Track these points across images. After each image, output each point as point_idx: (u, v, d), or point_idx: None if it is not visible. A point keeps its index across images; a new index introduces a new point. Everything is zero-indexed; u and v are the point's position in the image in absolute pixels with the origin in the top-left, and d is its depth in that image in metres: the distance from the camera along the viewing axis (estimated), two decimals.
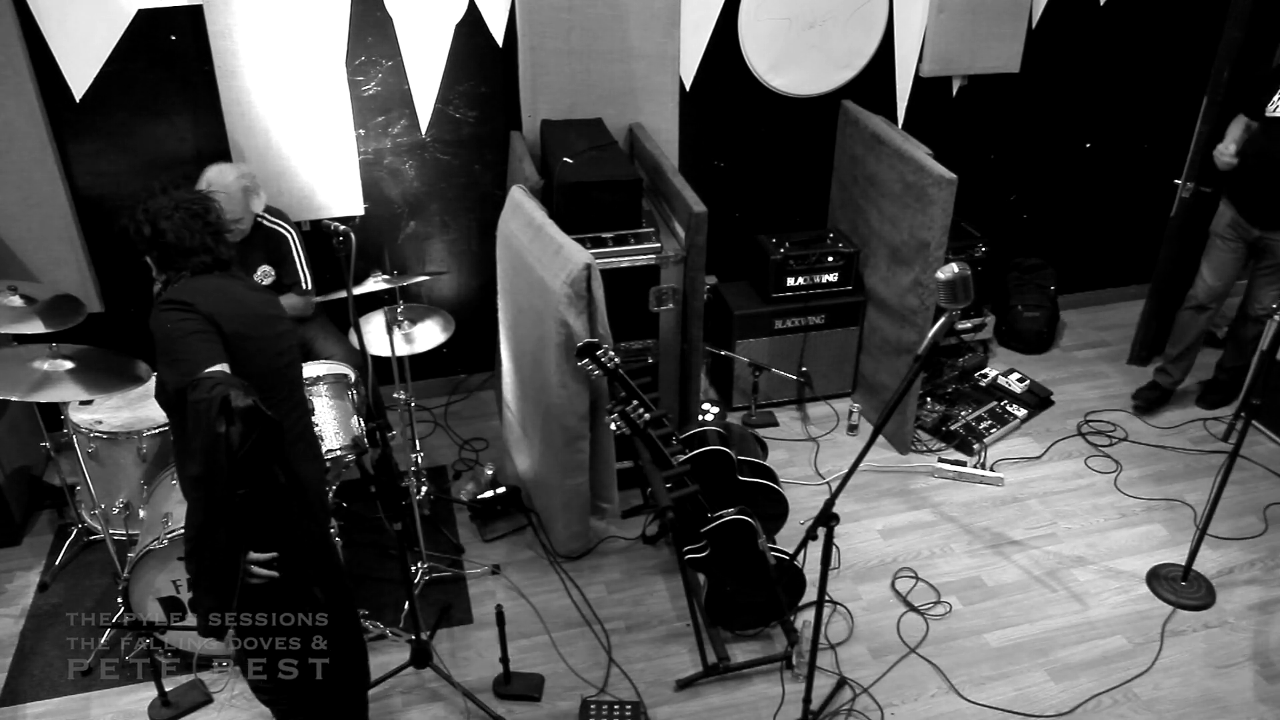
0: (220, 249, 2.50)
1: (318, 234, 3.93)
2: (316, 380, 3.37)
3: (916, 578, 3.67)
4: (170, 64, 3.78)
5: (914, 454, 4.33)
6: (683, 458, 3.21)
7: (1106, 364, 4.97)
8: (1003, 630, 3.46)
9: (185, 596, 3.13)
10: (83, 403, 3.44)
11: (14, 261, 3.88)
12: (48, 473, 4.03)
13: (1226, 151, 4.01)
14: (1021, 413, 4.54)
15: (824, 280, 4.40)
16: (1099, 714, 3.16)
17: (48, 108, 3.72)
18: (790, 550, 3.31)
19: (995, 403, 4.59)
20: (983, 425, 4.46)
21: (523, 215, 3.53)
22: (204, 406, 2.14)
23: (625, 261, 3.61)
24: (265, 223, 3.75)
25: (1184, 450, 4.33)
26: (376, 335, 3.56)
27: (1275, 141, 3.87)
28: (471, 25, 4.00)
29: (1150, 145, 5.05)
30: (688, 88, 4.32)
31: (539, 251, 3.38)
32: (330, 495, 3.33)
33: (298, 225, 3.89)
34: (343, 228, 2.84)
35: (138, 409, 3.46)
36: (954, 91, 4.68)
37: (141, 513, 3.31)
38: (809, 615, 3.35)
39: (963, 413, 4.53)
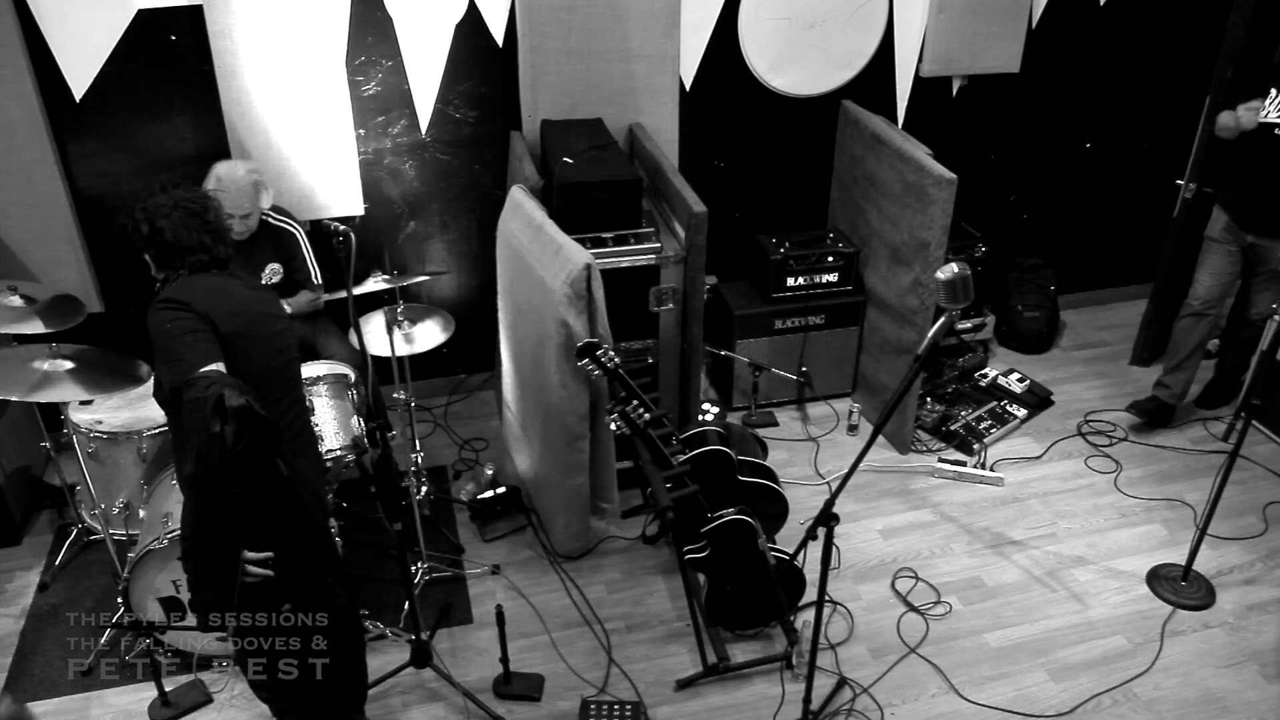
0: (218, 248, 2.50)
1: (318, 234, 3.92)
2: (316, 380, 3.37)
3: (916, 578, 3.67)
4: (170, 64, 3.78)
5: (914, 454, 4.33)
6: (683, 458, 3.21)
7: (1106, 364, 4.97)
8: (1003, 630, 3.46)
9: (185, 596, 3.13)
10: (83, 403, 3.44)
11: (14, 261, 3.88)
12: (48, 473, 4.03)
13: (1245, 116, 3.75)
14: (1021, 413, 4.54)
15: (824, 280, 4.40)
16: (1099, 714, 3.16)
17: (48, 108, 3.72)
18: (790, 550, 3.31)
19: (995, 403, 4.59)
20: (983, 425, 4.46)
21: (523, 215, 3.53)
22: (198, 406, 2.14)
23: (625, 261, 3.61)
24: (272, 220, 3.75)
25: (1184, 450, 4.33)
26: (376, 335, 3.56)
27: (1266, 148, 3.81)
28: (471, 25, 4.00)
29: (1150, 145, 5.05)
30: (688, 88, 4.32)
31: (539, 251, 3.38)
32: (330, 495, 3.33)
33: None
34: (343, 228, 2.84)
35: (138, 409, 3.46)
36: (954, 91, 4.68)
37: (141, 513, 3.32)
38: (809, 615, 3.34)
39: (963, 413, 4.53)
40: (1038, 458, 4.30)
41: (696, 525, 3.24)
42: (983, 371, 4.82)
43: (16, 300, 3.41)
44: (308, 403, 3.04)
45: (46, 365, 3.15)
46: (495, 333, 4.02)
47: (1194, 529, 3.61)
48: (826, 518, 2.65)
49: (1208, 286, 4.18)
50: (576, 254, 3.21)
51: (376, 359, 3.29)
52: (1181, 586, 3.58)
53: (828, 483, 4.15)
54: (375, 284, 3.56)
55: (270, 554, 2.33)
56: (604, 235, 3.61)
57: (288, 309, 3.68)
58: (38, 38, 3.61)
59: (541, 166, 3.92)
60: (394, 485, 3.02)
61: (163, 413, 2.43)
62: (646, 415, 3.18)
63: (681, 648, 3.38)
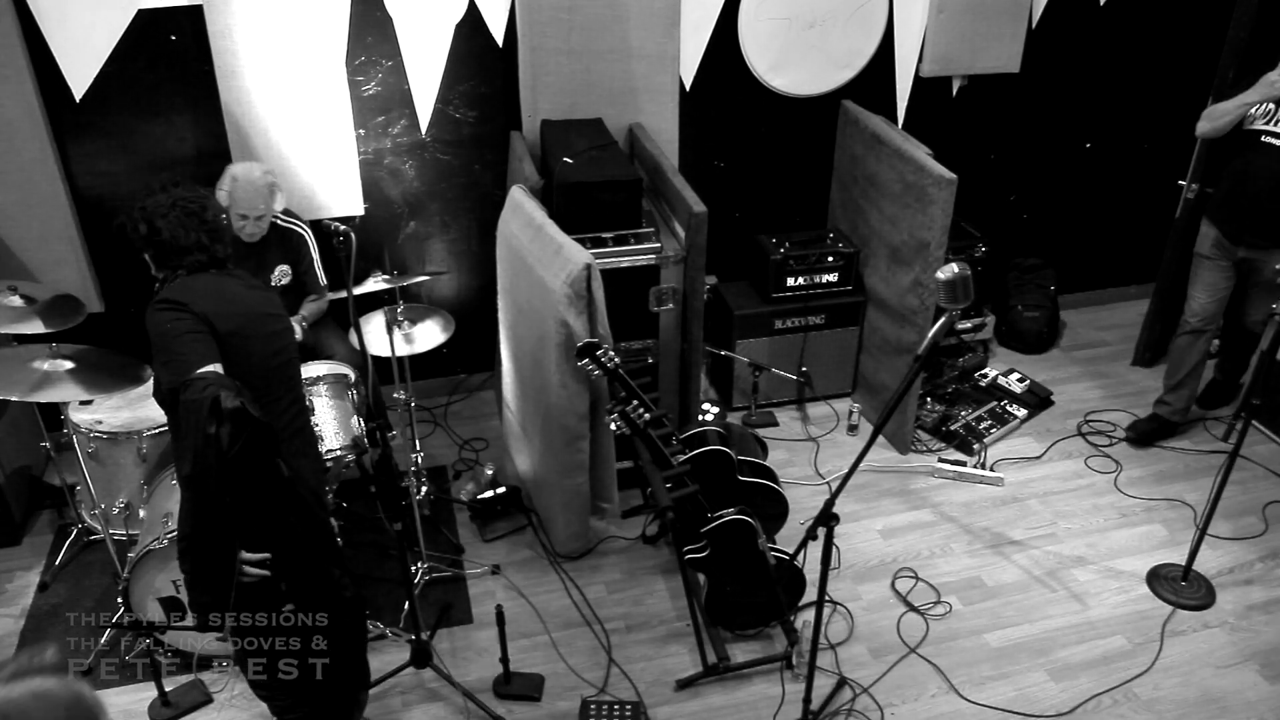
0: (216, 247, 2.50)
1: (318, 234, 3.92)
2: (316, 380, 3.37)
3: (916, 578, 3.67)
4: (170, 64, 3.78)
5: (914, 454, 4.33)
6: (683, 458, 3.21)
7: (1106, 364, 4.97)
8: (1003, 630, 3.46)
9: (185, 596, 3.12)
10: (83, 403, 3.44)
11: (14, 261, 3.88)
12: (48, 473, 4.03)
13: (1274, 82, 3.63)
14: (1021, 413, 4.54)
15: (824, 280, 4.40)
16: (1099, 714, 3.16)
17: (48, 108, 3.72)
18: (790, 550, 3.31)
19: (995, 403, 4.59)
20: (983, 425, 4.46)
21: (523, 215, 3.53)
22: (195, 407, 2.15)
23: (625, 261, 3.61)
24: (281, 222, 3.75)
25: (1184, 450, 4.33)
26: (376, 335, 3.56)
27: (1255, 156, 3.75)
28: (471, 25, 4.00)
29: (1150, 145, 5.05)
30: (688, 88, 4.32)
31: (539, 251, 3.38)
32: (330, 495, 3.33)
33: None
34: (343, 228, 2.84)
35: (138, 409, 3.46)
36: (954, 91, 4.68)
37: (141, 513, 3.31)
38: (809, 615, 3.34)
39: (963, 413, 4.53)
40: (1038, 458, 4.30)
41: (696, 525, 3.24)
42: (983, 371, 4.82)
43: (16, 300, 3.41)
44: (308, 402, 3.04)
45: (46, 365, 3.15)
46: (495, 333, 4.02)
47: (1194, 529, 3.61)
48: (826, 518, 2.65)
49: (1202, 303, 4.10)
50: (576, 254, 3.21)
51: (376, 359, 3.30)
52: (1181, 586, 3.58)
53: (828, 483, 4.15)
54: (375, 284, 3.56)
55: (268, 555, 2.33)
56: (604, 235, 3.61)
57: (304, 323, 3.70)
58: (38, 38, 3.61)
59: (541, 166, 3.92)
60: (394, 485, 3.02)
61: (163, 413, 2.43)
62: (646, 415, 3.18)
63: (681, 648, 3.38)
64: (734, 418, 4.48)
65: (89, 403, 3.45)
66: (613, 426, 3.24)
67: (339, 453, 3.33)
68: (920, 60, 4.54)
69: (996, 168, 4.95)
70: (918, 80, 4.59)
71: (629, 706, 3.11)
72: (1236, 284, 4.09)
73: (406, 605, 3.31)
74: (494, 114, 4.19)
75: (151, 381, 2.95)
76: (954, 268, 2.49)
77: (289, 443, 2.56)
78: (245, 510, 2.28)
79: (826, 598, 2.93)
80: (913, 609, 3.53)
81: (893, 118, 4.62)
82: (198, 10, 3.69)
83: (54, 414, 3.53)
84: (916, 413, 4.41)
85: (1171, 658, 3.34)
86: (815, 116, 4.57)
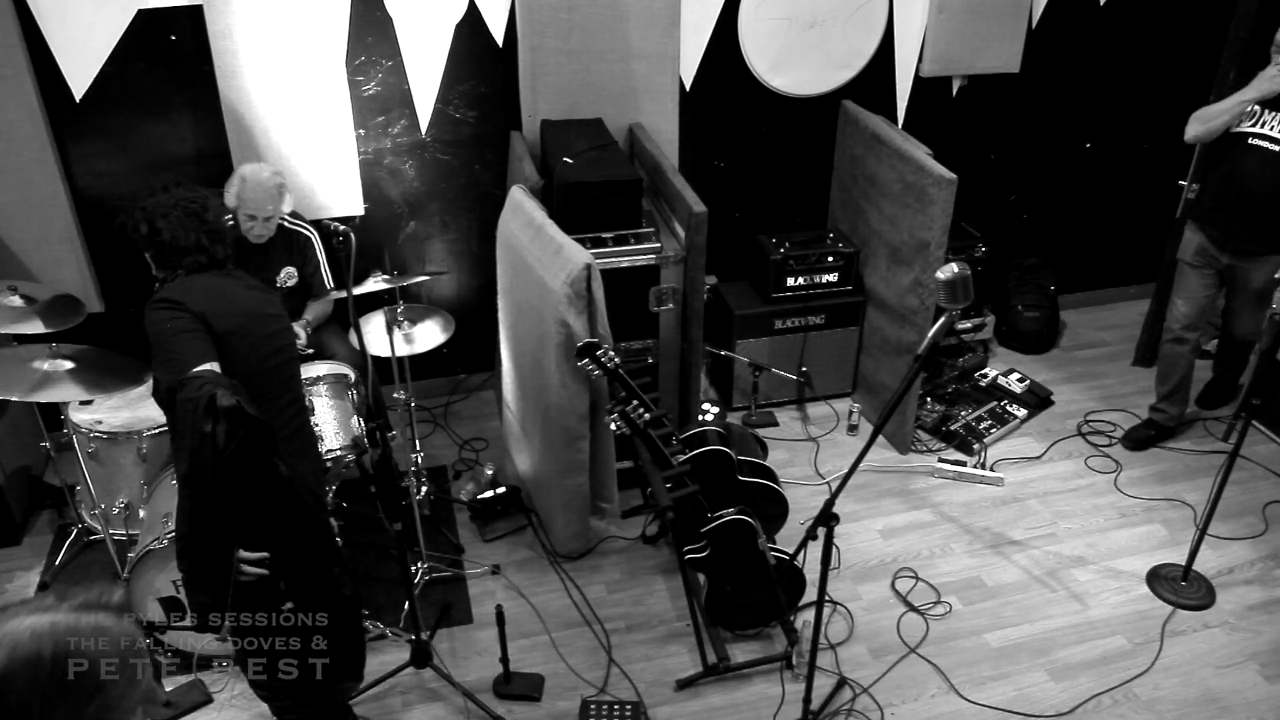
0: (216, 249, 2.51)
1: (318, 234, 3.92)
2: (316, 380, 3.37)
3: (916, 578, 3.67)
4: (170, 64, 3.78)
5: (914, 454, 4.33)
6: (683, 458, 3.21)
7: (1107, 364, 4.97)
8: (1003, 630, 3.46)
9: (185, 596, 3.12)
10: (83, 403, 3.44)
11: (14, 261, 3.88)
12: (48, 473, 4.03)
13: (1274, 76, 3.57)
14: (1021, 413, 4.54)
15: (824, 280, 4.40)
16: (1099, 714, 3.16)
17: (48, 108, 3.72)
18: (790, 550, 3.31)
19: (995, 403, 4.59)
20: (983, 425, 4.46)
21: (523, 215, 3.53)
22: (191, 406, 2.15)
23: (625, 261, 3.61)
24: (287, 224, 3.75)
25: (1184, 450, 4.33)
26: (376, 335, 3.56)
27: (1242, 159, 3.71)
28: (471, 25, 4.00)
29: (1150, 145, 5.05)
30: (688, 88, 4.32)
31: (539, 251, 3.38)
32: (330, 495, 3.33)
33: None
34: (343, 228, 2.84)
35: (138, 409, 3.46)
36: (954, 91, 4.68)
37: (141, 513, 3.32)
38: (809, 615, 3.34)
39: (963, 413, 4.53)
40: (1038, 458, 4.30)
41: (696, 525, 3.24)
42: (983, 371, 4.82)
43: (16, 300, 3.41)
44: (308, 402, 3.04)
45: (46, 365, 3.15)
46: (495, 333, 4.02)
47: (1194, 529, 3.61)
48: (826, 518, 2.65)
49: (1183, 311, 4.08)
50: (576, 254, 3.21)
51: (376, 359, 3.30)
52: (1181, 586, 3.58)
53: (828, 483, 4.15)
54: (375, 284, 3.56)
55: (266, 554, 2.33)
56: (604, 235, 3.61)
57: (307, 328, 3.70)
58: (38, 38, 3.61)
59: (541, 166, 3.92)
60: (394, 485, 3.02)
61: (162, 413, 2.44)
62: (646, 415, 3.18)
63: (681, 648, 3.38)
64: (734, 418, 4.48)
65: (89, 403, 3.45)
66: (613, 426, 3.24)
67: (339, 453, 3.32)
68: (920, 60, 4.54)
69: (996, 168, 4.95)
70: (918, 80, 4.59)
71: (629, 706, 3.11)
72: (1225, 296, 4.03)
73: (406, 605, 3.31)
74: (494, 114, 4.19)
75: (151, 381, 2.96)
76: (954, 268, 2.49)
77: (288, 442, 2.56)
78: (243, 509, 2.28)
79: (826, 598, 2.93)
80: (913, 609, 3.53)
81: (893, 118, 4.62)
82: (198, 10, 3.69)
83: (54, 414, 3.53)
84: (916, 413, 4.41)
85: (1171, 658, 3.34)
86: (815, 116, 4.57)
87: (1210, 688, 3.23)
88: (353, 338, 3.50)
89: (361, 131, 4.08)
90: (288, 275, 3.78)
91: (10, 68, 3.58)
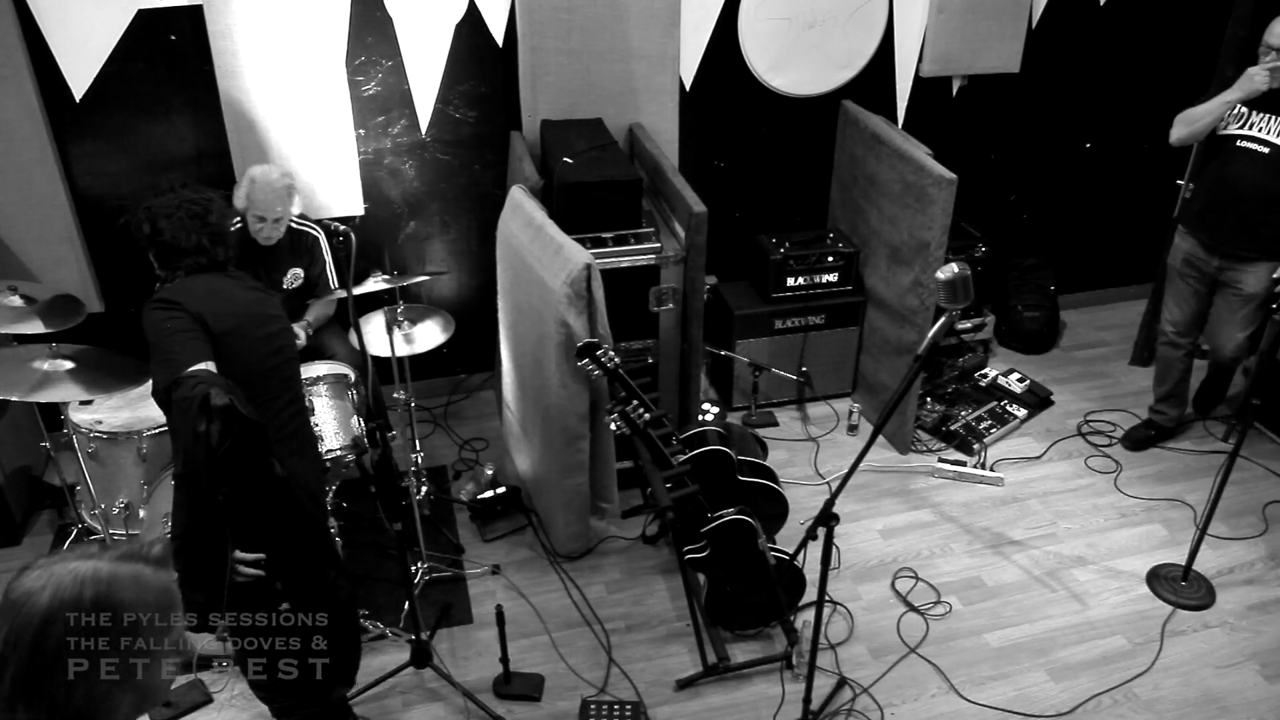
0: (217, 250, 2.52)
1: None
2: (316, 380, 3.37)
3: (916, 578, 3.67)
4: (170, 64, 3.78)
5: (914, 454, 4.33)
6: (683, 458, 3.21)
7: (1106, 364, 4.97)
8: (1003, 630, 3.46)
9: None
10: (83, 403, 3.43)
11: (14, 261, 3.88)
12: (48, 473, 4.03)
13: (1259, 72, 3.54)
14: (1021, 413, 4.54)
15: (824, 280, 4.40)
16: (1099, 714, 3.16)
17: (48, 108, 3.72)
18: (790, 550, 3.31)
19: (995, 403, 4.59)
20: (983, 425, 4.46)
21: (523, 215, 3.53)
22: (185, 405, 2.16)
23: (625, 261, 3.61)
24: (294, 224, 3.75)
25: (1184, 450, 4.33)
26: (376, 335, 3.56)
27: (1231, 162, 3.69)
28: (471, 25, 4.00)
29: (1150, 145, 5.05)
30: (688, 88, 4.32)
31: (539, 251, 3.38)
32: (330, 495, 3.33)
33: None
34: (343, 228, 2.85)
35: (138, 409, 3.46)
36: (954, 91, 4.68)
37: (141, 513, 3.31)
38: (809, 615, 3.34)
39: (963, 413, 4.53)
40: (1038, 458, 4.30)
41: (696, 525, 3.24)
42: (983, 371, 4.82)
43: (16, 300, 3.41)
44: (307, 403, 3.04)
45: (46, 365, 3.15)
46: (495, 333, 4.02)
47: (1194, 529, 3.61)
48: (826, 518, 2.65)
49: (1175, 316, 4.08)
50: (576, 254, 3.21)
51: (376, 359, 3.30)
52: (1181, 586, 3.58)
53: (828, 483, 4.15)
54: (375, 284, 3.56)
55: (262, 555, 2.33)
56: (604, 235, 3.61)
57: (309, 329, 3.70)
58: (38, 38, 3.61)
59: (541, 166, 3.92)
60: (394, 485, 3.02)
61: (162, 413, 2.44)
62: (646, 415, 3.18)
63: (681, 648, 3.38)
64: (734, 418, 4.48)
65: (89, 403, 3.45)
66: (613, 426, 3.24)
67: (339, 453, 3.32)
68: (920, 60, 4.54)
69: (996, 168, 4.95)
70: (918, 80, 4.59)
71: (629, 706, 3.11)
72: (1211, 305, 3.97)
73: (406, 605, 3.31)
74: (494, 114, 4.19)
75: (151, 381, 2.97)
76: (954, 268, 2.49)
77: (286, 443, 2.56)
78: (238, 509, 2.28)
79: (826, 598, 2.93)
80: (913, 609, 3.53)
81: (893, 118, 4.62)
82: (198, 10, 3.69)
83: (54, 414, 3.53)
84: (916, 413, 4.41)
85: (1171, 658, 3.34)
86: (815, 116, 4.57)
87: (1210, 688, 3.23)
88: (353, 338, 3.50)
89: (361, 131, 4.08)
90: (294, 277, 3.78)
91: (10, 68, 3.58)
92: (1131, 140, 5.02)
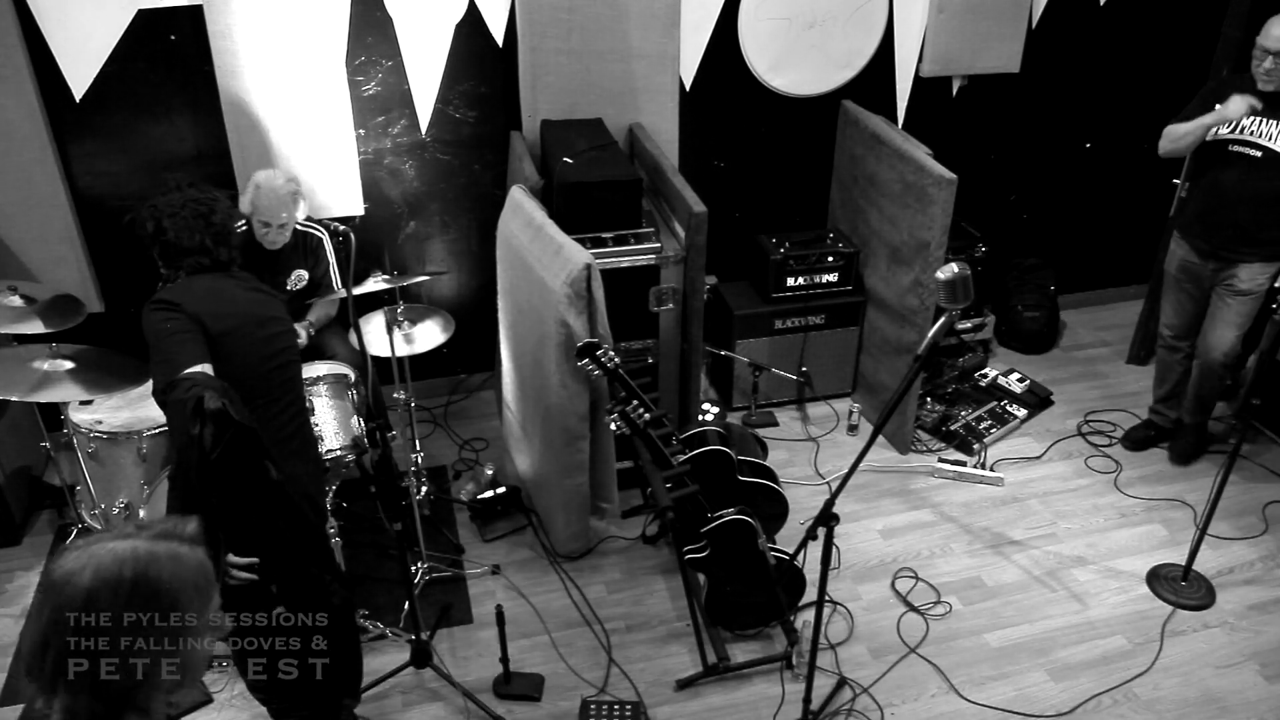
0: (220, 251, 2.52)
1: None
2: (316, 380, 3.37)
3: (916, 578, 3.67)
4: (170, 64, 3.78)
5: (914, 454, 4.33)
6: (683, 458, 3.21)
7: (1106, 364, 4.97)
8: (1003, 630, 3.46)
9: None
10: (83, 403, 3.43)
11: (14, 261, 3.88)
12: (48, 473, 4.03)
13: (1238, 103, 3.52)
14: (1021, 413, 4.54)
15: (824, 280, 4.40)
16: (1099, 714, 3.16)
17: (48, 108, 3.72)
18: (790, 550, 3.31)
19: (995, 403, 4.59)
20: (983, 425, 4.46)
21: (523, 215, 3.53)
22: (179, 407, 2.16)
23: (625, 261, 3.61)
24: (300, 226, 3.74)
25: None
26: (376, 335, 3.56)
27: (1224, 168, 3.69)
28: (471, 25, 4.00)
29: (1150, 145, 5.03)
30: (688, 88, 4.32)
31: (539, 251, 3.38)
32: (330, 495, 3.33)
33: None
34: (343, 228, 2.85)
35: (138, 409, 3.46)
36: (954, 91, 4.68)
37: (141, 513, 3.31)
38: (809, 615, 3.34)
39: (963, 413, 4.53)
40: (1038, 458, 4.30)
41: (696, 525, 3.24)
42: (983, 371, 4.82)
43: (16, 300, 3.41)
44: (308, 403, 3.04)
45: (46, 365, 3.15)
46: (495, 333, 4.02)
47: (1194, 529, 3.61)
48: (826, 518, 2.65)
49: (1171, 320, 4.09)
50: (576, 254, 3.21)
51: (376, 359, 3.30)
52: (1181, 586, 3.58)
53: (828, 483, 4.15)
54: (375, 284, 3.56)
55: (255, 560, 2.33)
56: (604, 235, 3.61)
57: (311, 330, 3.70)
58: (38, 38, 3.61)
59: (541, 166, 3.92)
60: (394, 485, 3.02)
61: (163, 413, 2.44)
62: (646, 415, 3.18)
63: (681, 648, 3.38)
64: (734, 418, 4.48)
65: (89, 403, 3.45)
66: (613, 426, 3.24)
67: (339, 453, 3.32)
68: (920, 60, 4.54)
69: (996, 168, 4.95)
70: (918, 80, 4.59)
71: (629, 706, 3.11)
72: (1205, 307, 3.95)
73: (406, 605, 3.31)
74: (494, 114, 4.19)
75: (152, 381, 2.97)
76: (954, 268, 2.49)
77: (285, 444, 2.56)
78: (231, 512, 2.28)
79: (826, 598, 2.93)
80: (913, 609, 3.53)
81: (893, 118, 4.62)
82: (198, 10, 3.69)
83: (54, 414, 3.53)
84: (916, 413, 4.41)
85: (1171, 658, 3.34)
86: (815, 116, 4.57)
87: (1210, 688, 3.23)
88: (353, 338, 3.50)
89: (361, 131, 4.08)
90: (298, 278, 3.78)
91: (10, 68, 3.58)
92: (1131, 140, 5.02)
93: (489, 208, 4.27)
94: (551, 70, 3.98)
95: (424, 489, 3.92)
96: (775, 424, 4.53)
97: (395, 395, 3.75)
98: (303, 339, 3.56)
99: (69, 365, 3.17)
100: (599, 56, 4.01)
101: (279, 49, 3.79)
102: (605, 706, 3.11)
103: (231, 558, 2.30)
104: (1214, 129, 3.68)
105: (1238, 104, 3.57)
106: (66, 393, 3.13)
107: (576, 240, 3.32)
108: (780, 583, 3.31)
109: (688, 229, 3.56)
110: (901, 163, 3.99)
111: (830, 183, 4.73)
